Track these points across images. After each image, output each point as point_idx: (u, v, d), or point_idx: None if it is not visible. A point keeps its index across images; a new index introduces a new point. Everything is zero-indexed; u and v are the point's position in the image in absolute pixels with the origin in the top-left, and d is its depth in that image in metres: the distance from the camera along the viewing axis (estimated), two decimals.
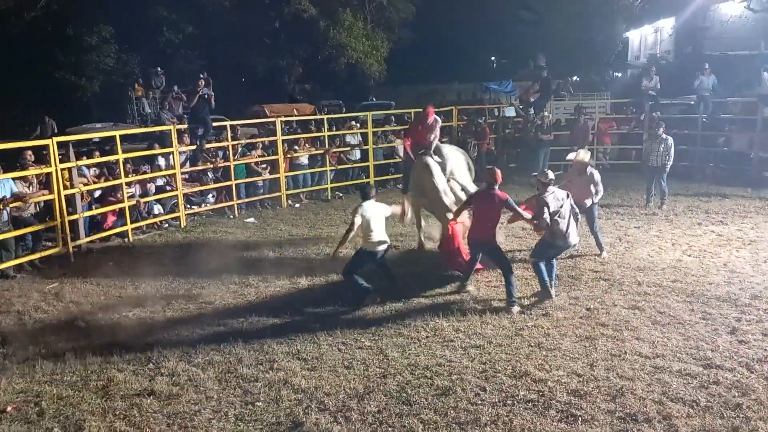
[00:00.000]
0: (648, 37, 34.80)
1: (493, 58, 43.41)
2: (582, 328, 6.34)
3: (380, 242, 7.27)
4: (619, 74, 33.35)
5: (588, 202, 8.48)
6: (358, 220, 7.07)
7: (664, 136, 11.25)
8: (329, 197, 13.68)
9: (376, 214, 7.24)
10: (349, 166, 14.30)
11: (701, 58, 20.27)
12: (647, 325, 6.37)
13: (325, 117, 14.25)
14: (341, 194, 13.88)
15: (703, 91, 15.43)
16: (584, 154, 8.60)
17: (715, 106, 15.37)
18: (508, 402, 5.01)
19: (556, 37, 30.57)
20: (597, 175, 8.51)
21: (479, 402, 5.03)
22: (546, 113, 15.93)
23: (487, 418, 4.78)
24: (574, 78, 27.69)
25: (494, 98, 24.45)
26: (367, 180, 14.30)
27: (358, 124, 14.92)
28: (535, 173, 7.49)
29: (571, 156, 8.67)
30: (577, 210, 7.41)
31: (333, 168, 13.84)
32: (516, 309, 6.84)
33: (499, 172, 7.07)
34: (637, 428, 4.59)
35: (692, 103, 15.99)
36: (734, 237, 9.50)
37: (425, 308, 7.02)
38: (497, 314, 6.78)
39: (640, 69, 25.14)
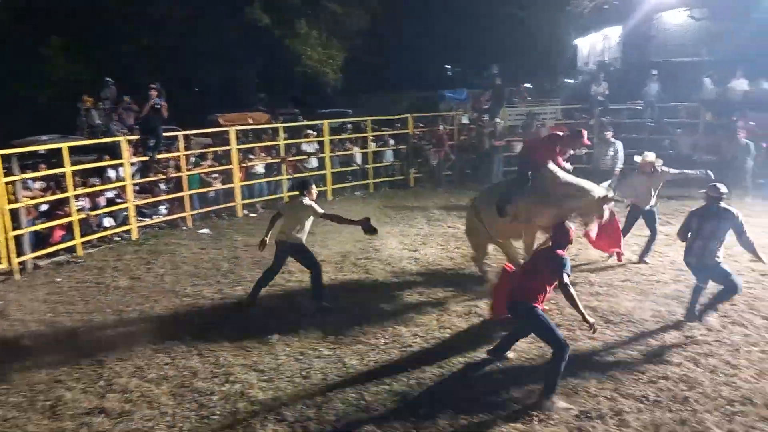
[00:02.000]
0: (597, 45, 35.73)
1: (447, 66, 43.92)
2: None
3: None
4: (570, 81, 34.13)
5: (653, 202, 8.66)
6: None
7: (612, 140, 11.57)
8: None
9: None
10: (305, 174, 14.21)
11: (647, 65, 20.96)
12: (600, 324, 6.49)
13: (281, 125, 14.17)
14: None
15: (649, 96, 15.97)
16: (652, 155, 8.61)
17: (660, 111, 15.91)
18: (464, 407, 5.04)
19: (509, 45, 31.15)
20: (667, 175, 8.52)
21: (438, 408, 5.05)
22: (498, 120, 16.20)
23: (445, 423, 4.81)
24: (526, 85, 28.19)
25: (449, 106, 24.71)
26: (325, 188, 14.29)
27: (315, 133, 14.88)
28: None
29: (638, 158, 8.73)
30: None
31: (289, 177, 13.74)
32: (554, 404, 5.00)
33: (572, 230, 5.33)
34: (591, 425, 4.69)
35: (639, 108, 16.52)
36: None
37: (384, 315, 7.02)
38: (454, 318, 6.84)
39: (589, 75, 25.79)
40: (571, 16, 25.08)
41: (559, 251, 5.16)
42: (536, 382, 5.19)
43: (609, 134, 11.69)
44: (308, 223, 7.37)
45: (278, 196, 13.59)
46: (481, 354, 5.90)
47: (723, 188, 6.00)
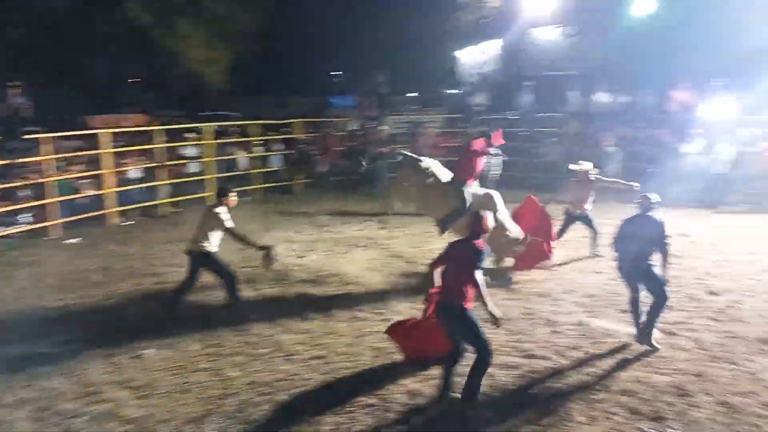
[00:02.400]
0: (476, 57, 37.50)
1: (336, 72, 44.16)
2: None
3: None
4: (452, 91, 35.51)
5: (588, 207, 9.15)
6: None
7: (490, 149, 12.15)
8: (164, 213, 12.96)
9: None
10: (185, 180, 13.68)
11: (522, 77, 22.30)
12: (485, 324, 6.78)
13: (158, 128, 13.52)
14: (178, 209, 13.20)
15: (523, 107, 16.99)
16: (588, 164, 9.20)
17: (533, 121, 16.96)
18: (348, 408, 5.08)
19: (395, 55, 31.85)
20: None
21: (321, 412, 5.04)
22: (384, 127, 16.51)
23: (328, 428, 4.81)
24: (411, 94, 28.98)
25: (337, 112, 24.87)
26: (208, 194, 13.81)
27: (196, 135, 14.34)
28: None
29: (574, 167, 9.19)
30: None
31: (168, 182, 13.15)
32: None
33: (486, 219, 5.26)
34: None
35: (515, 118, 17.51)
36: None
37: (267, 324, 6.88)
38: (339, 322, 6.85)
39: (469, 87, 26.99)
40: (451, 29, 26.09)
41: (478, 242, 5.13)
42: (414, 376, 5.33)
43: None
44: (215, 234, 7.02)
45: (156, 202, 12.96)
46: (364, 358, 5.96)
47: (654, 198, 6.24)
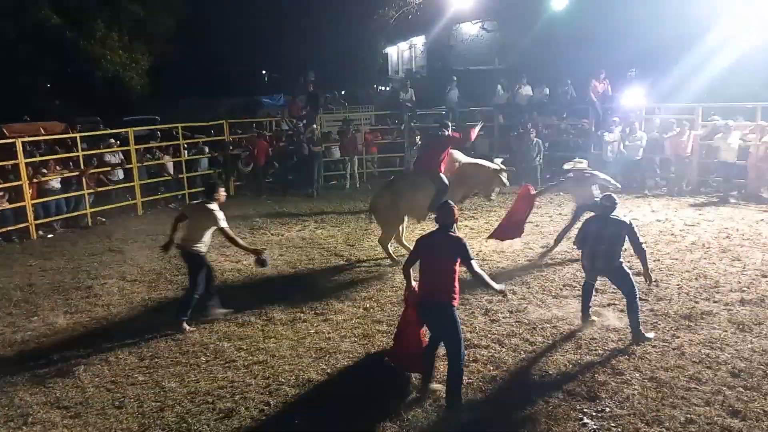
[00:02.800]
0: (404, 53, 37.91)
1: (264, 72, 43.54)
2: (360, 328, 6.63)
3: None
4: (382, 88, 35.74)
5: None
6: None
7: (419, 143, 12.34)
8: (89, 223, 12.39)
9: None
10: (111, 188, 13.13)
11: (449, 73, 22.66)
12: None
13: (79, 135, 12.89)
14: (104, 219, 12.65)
15: (450, 102, 17.28)
16: (583, 162, 9.09)
17: (461, 115, 17.27)
18: (291, 412, 5.03)
19: (324, 53, 31.76)
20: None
21: (264, 417, 4.97)
22: (315, 126, 16.41)
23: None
24: (342, 92, 28.99)
25: (267, 112, 24.52)
26: (134, 201, 13.32)
27: (118, 142, 13.77)
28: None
29: (569, 165, 9.01)
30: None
31: (92, 191, 12.58)
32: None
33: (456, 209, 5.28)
34: (413, 415, 4.91)
35: (443, 112, 17.77)
36: (483, 229, 10.75)
37: (204, 332, 6.71)
38: (279, 326, 6.77)
39: (398, 83, 27.22)
40: (378, 26, 26.23)
41: (452, 233, 5.12)
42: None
43: (417, 138, 12.43)
44: (209, 232, 6.77)
45: (80, 212, 12.37)
46: (306, 360, 5.91)
47: (615, 198, 6.38)
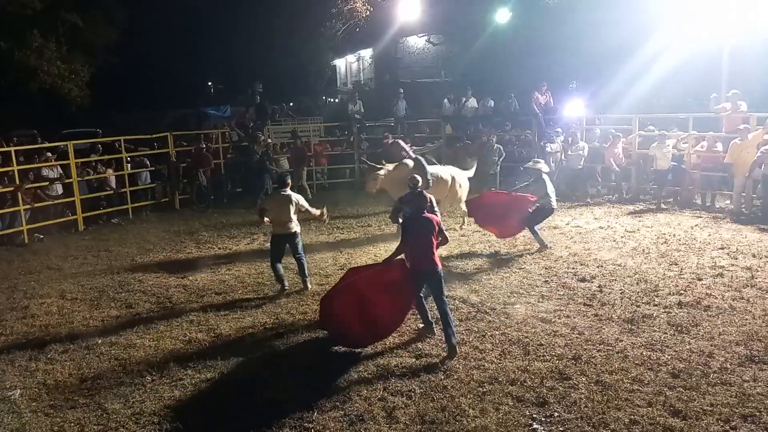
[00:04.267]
0: (352, 66, 38.06)
1: (210, 83, 42.90)
2: (313, 342, 6.56)
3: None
4: (330, 99, 35.74)
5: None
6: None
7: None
8: (26, 240, 11.87)
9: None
10: (49, 203, 12.62)
11: (396, 85, 22.90)
12: None
13: (14, 149, 12.35)
14: (42, 236, 12.14)
15: (398, 113, 17.45)
16: (542, 163, 10.11)
17: (409, 127, 17.47)
18: (239, 428, 4.93)
19: (272, 64, 31.50)
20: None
21: None
22: (262, 137, 16.25)
23: None
24: (290, 103, 28.77)
25: (213, 123, 24.14)
26: (74, 217, 12.85)
27: (56, 156, 13.26)
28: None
29: (529, 164, 9.96)
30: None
31: (28, 207, 12.06)
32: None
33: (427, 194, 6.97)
34: (364, 428, 4.89)
35: (392, 124, 17.92)
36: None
37: (149, 350, 6.51)
38: (228, 342, 6.63)
39: (347, 95, 27.31)
40: (326, 38, 26.28)
41: (426, 215, 6.31)
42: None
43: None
44: (295, 214, 8.00)
45: (15, 229, 11.84)
46: (259, 375, 5.81)
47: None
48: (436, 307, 6.31)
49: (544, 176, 9.72)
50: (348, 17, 23.63)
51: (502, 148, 15.10)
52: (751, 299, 7.26)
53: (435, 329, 6.54)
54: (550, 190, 9.62)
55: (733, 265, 8.63)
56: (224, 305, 7.87)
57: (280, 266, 8.17)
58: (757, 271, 8.28)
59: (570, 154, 14.22)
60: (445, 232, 6.49)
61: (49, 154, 13.16)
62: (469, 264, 9.24)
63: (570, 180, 14.20)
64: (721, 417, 4.82)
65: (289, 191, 8.08)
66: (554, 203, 9.73)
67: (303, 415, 5.07)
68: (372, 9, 23.19)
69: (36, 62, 23.66)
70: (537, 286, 8.04)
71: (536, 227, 9.74)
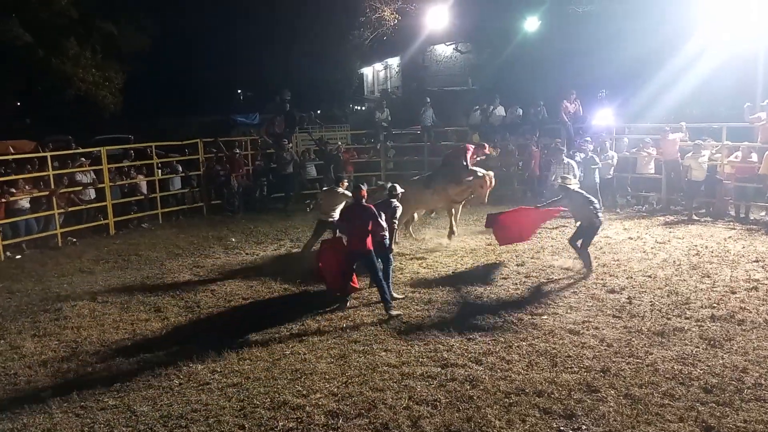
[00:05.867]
0: (380, 74, 38.25)
1: (239, 91, 43.53)
2: (336, 348, 6.57)
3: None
4: (358, 107, 35.96)
5: None
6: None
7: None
8: (59, 244, 12.15)
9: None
10: (82, 207, 12.91)
11: (423, 93, 22.94)
12: (393, 336, 6.86)
13: (49, 154, 12.68)
14: (75, 239, 12.41)
15: (425, 121, 17.43)
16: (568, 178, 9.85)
17: (436, 135, 17.44)
18: None
19: (300, 72, 31.85)
20: None
21: None
22: (289, 144, 16.41)
23: None
24: (317, 111, 29.02)
25: (242, 130, 24.46)
26: (106, 221, 13.11)
27: (90, 161, 13.55)
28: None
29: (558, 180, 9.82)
30: None
31: (62, 211, 12.35)
32: (394, 312, 7.44)
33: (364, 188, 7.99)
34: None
35: (418, 132, 17.93)
36: (458, 247, 10.82)
37: (178, 354, 6.58)
38: (254, 347, 6.67)
39: (374, 103, 27.41)
40: (354, 46, 26.45)
41: (366, 204, 7.78)
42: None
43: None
44: (338, 208, 9.29)
45: (50, 233, 12.13)
46: (281, 381, 5.83)
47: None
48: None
49: (577, 191, 9.21)
50: (376, 26, 23.72)
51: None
52: None
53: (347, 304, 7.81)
54: (590, 203, 8.86)
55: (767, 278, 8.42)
56: (252, 311, 7.95)
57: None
58: None
59: (599, 163, 14.01)
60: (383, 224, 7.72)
61: (83, 159, 13.46)
62: (496, 273, 9.16)
63: (601, 189, 14.01)
64: None
65: (339, 189, 9.57)
66: (600, 217, 8.99)
67: (328, 422, 5.08)
68: (400, 18, 23.26)
69: (72, 69, 24.28)
70: (565, 297, 7.94)
71: (582, 245, 8.93)
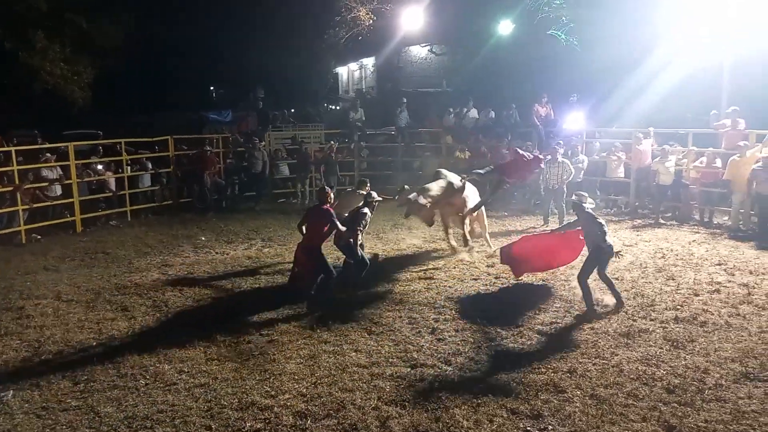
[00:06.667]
0: (355, 74, 38.16)
1: (212, 88, 43.08)
2: (306, 349, 6.55)
3: None
4: (332, 107, 35.85)
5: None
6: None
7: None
8: (23, 241, 11.85)
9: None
10: (47, 204, 12.62)
11: (398, 94, 22.98)
12: (364, 336, 6.86)
13: (13, 149, 12.36)
14: (39, 236, 12.13)
15: (400, 122, 17.47)
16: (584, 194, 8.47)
17: (410, 136, 17.50)
18: None
19: (274, 70, 31.66)
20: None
21: None
22: (262, 143, 16.29)
23: None
24: (291, 110, 28.88)
25: (214, 128, 24.20)
26: (73, 218, 12.84)
27: (54, 156, 13.24)
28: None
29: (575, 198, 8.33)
30: None
31: (27, 207, 12.06)
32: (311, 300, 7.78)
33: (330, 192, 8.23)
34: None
35: (392, 133, 17.96)
36: (429, 248, 10.87)
37: (144, 353, 6.47)
38: (223, 348, 6.61)
39: (348, 102, 27.37)
40: (329, 46, 26.38)
41: (326, 207, 7.92)
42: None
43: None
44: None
45: (13, 229, 11.83)
46: (250, 382, 5.79)
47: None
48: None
49: (590, 212, 7.94)
50: (351, 25, 23.69)
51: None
52: (747, 316, 7.26)
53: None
54: (600, 227, 7.73)
55: (730, 281, 8.63)
56: (221, 310, 7.87)
57: None
58: (754, 288, 8.27)
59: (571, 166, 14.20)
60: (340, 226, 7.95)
61: (49, 154, 13.15)
62: (466, 274, 9.21)
63: (570, 193, 14.18)
64: None
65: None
66: (609, 241, 7.74)
67: (297, 423, 5.06)
68: (375, 18, 23.27)
69: (40, 63, 23.74)
70: (534, 299, 8.03)
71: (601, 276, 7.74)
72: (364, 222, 8.54)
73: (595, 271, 7.67)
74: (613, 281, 7.82)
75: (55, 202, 12.78)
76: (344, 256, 8.60)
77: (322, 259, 7.98)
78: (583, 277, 7.59)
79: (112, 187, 14.03)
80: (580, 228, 8.04)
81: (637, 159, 13.74)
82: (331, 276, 7.98)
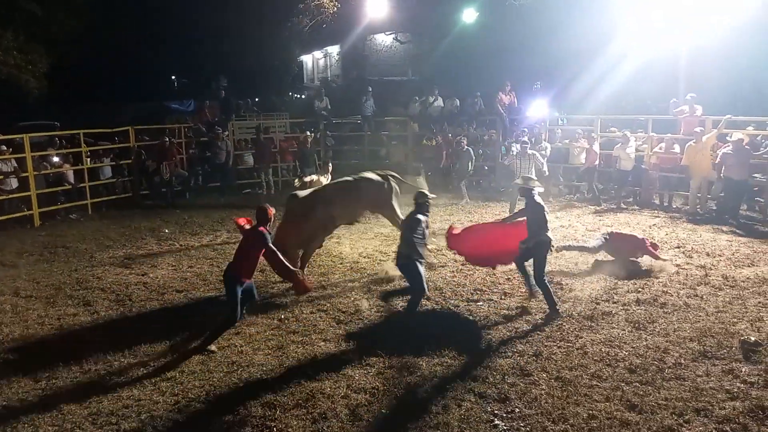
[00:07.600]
0: (319, 62, 37.85)
1: (173, 77, 42.21)
2: (274, 339, 6.51)
3: None
4: (297, 96, 35.50)
5: None
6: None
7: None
8: None
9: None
10: (3, 197, 12.23)
11: (364, 82, 22.87)
12: (332, 326, 6.85)
13: None
14: None
15: (366, 111, 17.41)
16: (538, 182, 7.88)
17: (376, 125, 17.46)
18: (202, 429, 4.86)
19: (237, 59, 31.13)
20: None
21: None
22: (226, 133, 16.05)
23: None
24: (255, 99, 28.43)
25: (176, 118, 23.73)
26: (30, 212, 12.47)
27: (11, 149, 12.83)
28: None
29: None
30: None
31: None
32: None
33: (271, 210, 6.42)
34: (327, 426, 4.88)
35: (358, 122, 17.89)
36: (396, 236, 10.87)
37: (107, 350, 6.33)
38: (189, 340, 6.52)
39: (313, 91, 27.14)
40: (293, 33, 26.07)
41: (262, 228, 6.30)
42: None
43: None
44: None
45: None
46: (217, 374, 5.74)
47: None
48: None
49: (539, 203, 7.23)
50: (315, 13, 23.45)
51: (472, 151, 14.45)
52: (704, 296, 7.49)
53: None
54: (545, 223, 7.12)
55: (688, 263, 8.89)
56: (186, 303, 7.77)
57: None
58: (711, 270, 8.53)
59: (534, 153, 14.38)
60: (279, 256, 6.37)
61: (4, 147, 12.72)
62: (433, 261, 9.26)
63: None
64: (675, 411, 4.95)
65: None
66: (549, 234, 7.15)
67: (266, 414, 5.03)
68: (339, 5, 23.07)
69: None
70: (500, 284, 8.13)
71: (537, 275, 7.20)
72: (420, 230, 6.70)
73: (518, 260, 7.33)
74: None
75: (11, 196, 12.39)
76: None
77: (418, 273, 6.62)
78: (540, 278, 7.06)
79: (71, 179, 13.67)
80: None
81: (589, 158, 13.99)
82: (422, 293, 6.78)
